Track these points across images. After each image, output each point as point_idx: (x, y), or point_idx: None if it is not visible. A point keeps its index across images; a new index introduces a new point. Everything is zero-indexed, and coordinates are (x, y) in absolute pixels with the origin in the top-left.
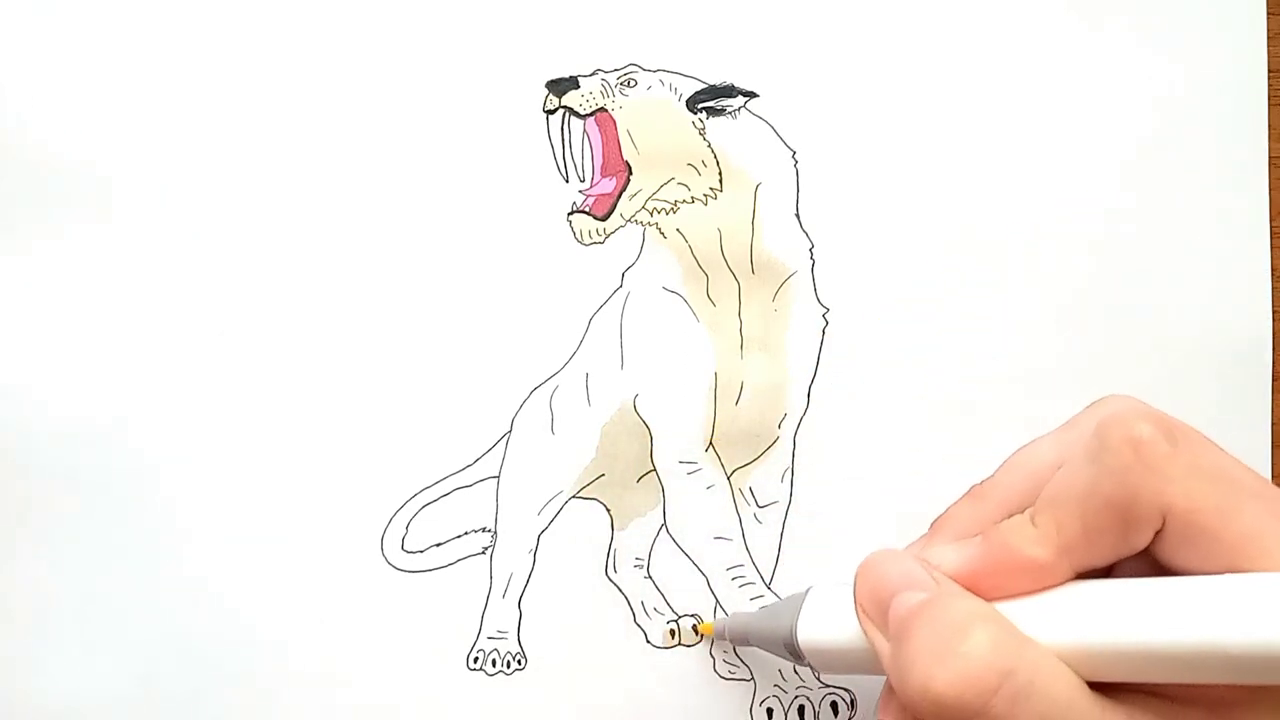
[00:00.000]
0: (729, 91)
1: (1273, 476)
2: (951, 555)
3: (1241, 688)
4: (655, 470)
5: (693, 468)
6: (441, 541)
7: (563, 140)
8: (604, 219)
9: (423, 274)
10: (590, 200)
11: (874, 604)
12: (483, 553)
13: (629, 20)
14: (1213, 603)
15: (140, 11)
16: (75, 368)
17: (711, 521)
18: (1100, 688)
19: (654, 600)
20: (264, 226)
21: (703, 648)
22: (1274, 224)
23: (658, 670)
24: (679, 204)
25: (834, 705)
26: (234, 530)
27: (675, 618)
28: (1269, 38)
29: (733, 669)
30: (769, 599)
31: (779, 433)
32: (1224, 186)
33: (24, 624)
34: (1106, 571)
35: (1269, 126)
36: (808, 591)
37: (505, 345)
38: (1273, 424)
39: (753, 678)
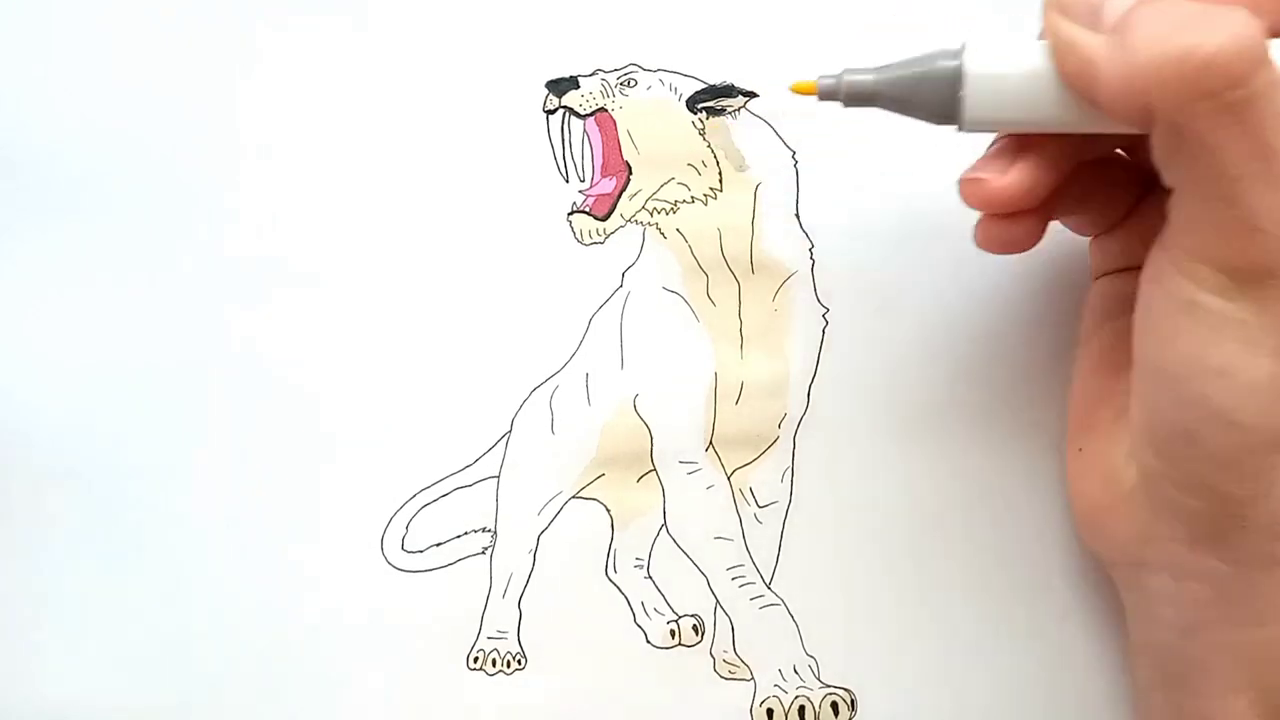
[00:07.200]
0: (729, 91)
1: None
2: None
3: None
4: (655, 470)
5: (693, 468)
6: (441, 541)
7: (563, 140)
8: (604, 219)
9: (422, 274)
10: (590, 200)
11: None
12: (483, 553)
13: (629, 20)
14: None
15: (144, 12)
16: (72, 368)
17: (711, 521)
18: None
19: (654, 600)
20: (263, 226)
21: (703, 647)
22: None
23: (658, 670)
24: (679, 204)
25: (834, 705)
26: (234, 530)
27: (675, 618)
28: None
29: (733, 669)
30: (769, 599)
31: (779, 433)
32: None
33: (24, 624)
34: None
35: None
36: (963, 44)
37: (505, 345)
38: None
39: (753, 678)
